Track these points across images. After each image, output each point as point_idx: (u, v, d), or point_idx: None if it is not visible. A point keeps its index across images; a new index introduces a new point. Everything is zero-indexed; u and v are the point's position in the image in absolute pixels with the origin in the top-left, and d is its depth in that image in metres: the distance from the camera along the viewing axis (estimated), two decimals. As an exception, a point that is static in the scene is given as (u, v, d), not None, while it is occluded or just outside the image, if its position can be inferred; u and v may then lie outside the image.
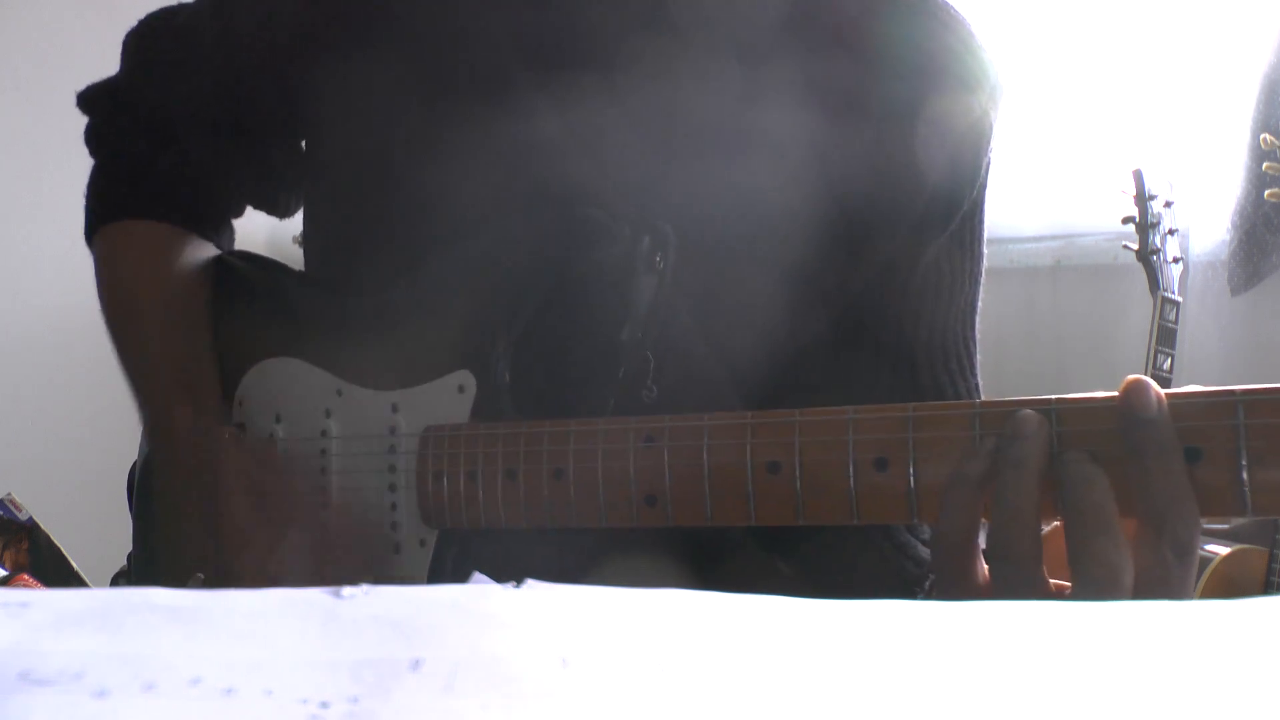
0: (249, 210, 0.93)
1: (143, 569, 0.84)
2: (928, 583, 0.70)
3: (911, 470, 0.50)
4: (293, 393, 0.74)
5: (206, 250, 0.86)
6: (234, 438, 0.75)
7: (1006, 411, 0.48)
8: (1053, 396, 0.48)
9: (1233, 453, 0.43)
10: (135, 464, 0.88)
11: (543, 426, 0.61)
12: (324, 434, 0.72)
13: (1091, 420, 0.46)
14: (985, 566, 0.49)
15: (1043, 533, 0.48)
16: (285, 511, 0.70)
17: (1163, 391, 0.45)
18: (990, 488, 0.47)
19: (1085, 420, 0.47)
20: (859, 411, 0.51)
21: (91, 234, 0.87)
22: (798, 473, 0.52)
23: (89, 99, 0.89)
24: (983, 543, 0.49)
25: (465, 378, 0.66)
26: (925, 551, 0.72)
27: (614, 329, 0.64)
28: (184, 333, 0.80)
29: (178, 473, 0.74)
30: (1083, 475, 0.45)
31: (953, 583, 0.49)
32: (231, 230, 0.91)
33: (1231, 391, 0.44)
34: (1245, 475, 0.43)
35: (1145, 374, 1.68)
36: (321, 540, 0.70)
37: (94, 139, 0.89)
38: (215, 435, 0.75)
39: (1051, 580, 0.47)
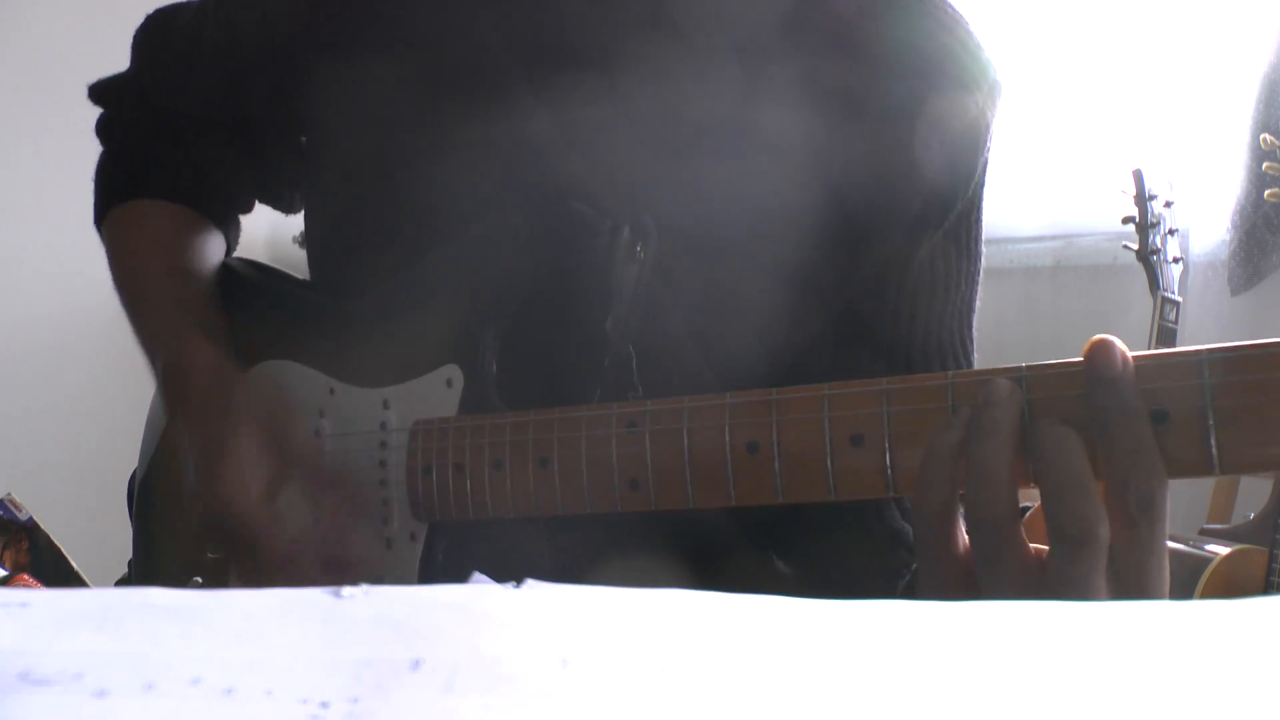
0: (250, 209, 0.93)
1: (143, 575, 0.85)
2: (914, 564, 0.71)
3: (887, 445, 0.50)
4: (285, 392, 0.74)
5: (216, 237, 0.87)
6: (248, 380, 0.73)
7: (979, 382, 0.48)
8: (1024, 364, 0.48)
9: (1199, 412, 0.43)
10: (135, 472, 0.88)
11: (527, 416, 0.61)
12: (317, 433, 0.72)
13: (1062, 386, 0.47)
14: (965, 536, 0.49)
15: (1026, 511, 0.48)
16: (294, 459, 0.69)
17: (1130, 353, 0.45)
18: (965, 456, 0.47)
19: (1056, 386, 0.47)
20: (834, 388, 0.52)
21: (101, 217, 0.87)
22: (775, 452, 0.53)
23: (100, 91, 0.90)
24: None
25: (453, 371, 0.67)
26: None
27: (598, 320, 0.65)
28: (197, 287, 0.81)
29: (194, 416, 0.72)
30: (1054, 436, 0.46)
31: (934, 554, 0.49)
32: (239, 226, 0.92)
33: (1197, 351, 0.44)
34: (1212, 436, 0.43)
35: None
36: (323, 491, 0.68)
37: (106, 130, 0.90)
38: (232, 375, 0.73)
39: (1032, 545, 0.48)
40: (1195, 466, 0.44)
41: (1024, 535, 0.47)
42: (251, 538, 0.66)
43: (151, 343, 0.79)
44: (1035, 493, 0.47)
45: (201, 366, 0.73)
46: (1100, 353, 0.45)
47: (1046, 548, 0.47)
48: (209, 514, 0.68)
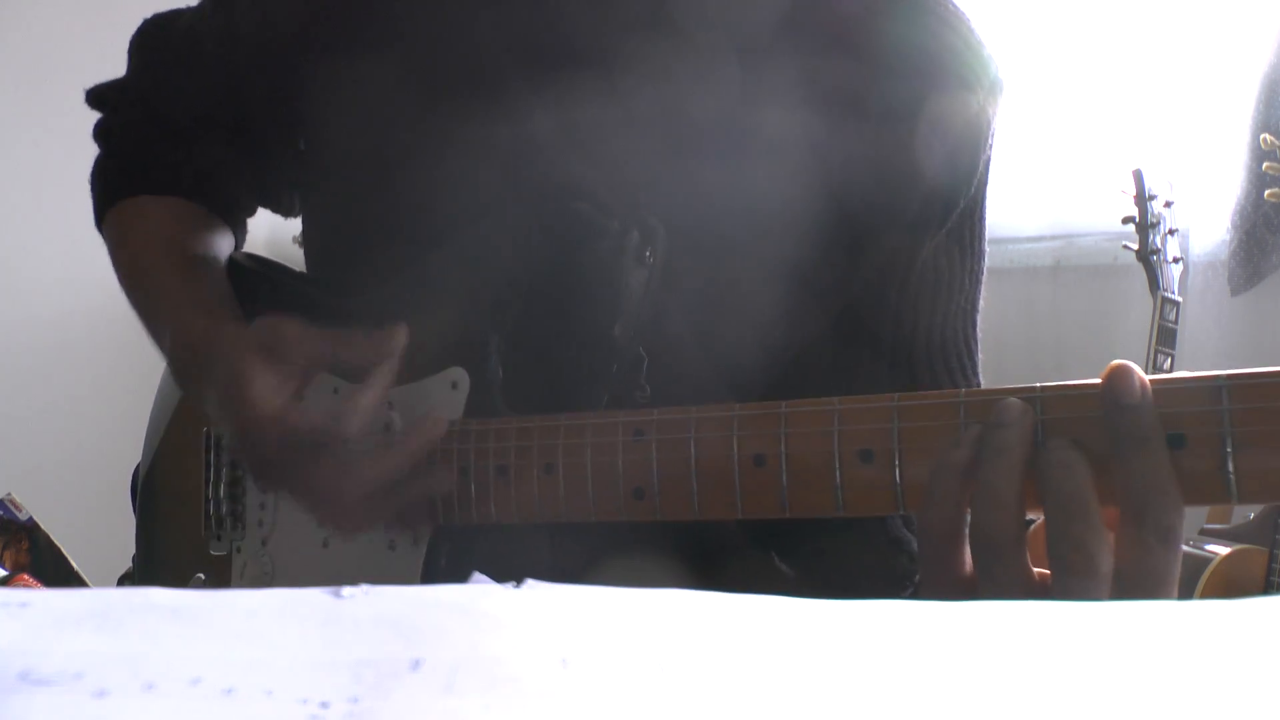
0: (254, 212, 0.93)
1: (145, 571, 0.85)
2: (917, 576, 0.70)
3: (897, 461, 0.49)
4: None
5: (221, 230, 0.86)
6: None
7: (992, 400, 0.47)
8: (1038, 384, 0.47)
9: (1217, 438, 0.43)
10: (138, 467, 0.88)
11: (533, 422, 0.61)
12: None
13: (1076, 407, 0.46)
14: (970, 556, 0.49)
15: (1030, 525, 0.47)
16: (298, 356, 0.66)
17: (1148, 378, 0.45)
18: (974, 476, 0.47)
19: (1070, 407, 0.46)
20: (844, 402, 0.51)
21: (102, 215, 0.87)
22: (783, 465, 0.52)
23: (98, 95, 0.90)
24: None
25: (459, 374, 0.66)
26: None
27: (606, 324, 0.64)
28: (206, 271, 0.80)
29: (215, 384, 0.68)
30: (1063, 461, 0.45)
31: (938, 572, 0.48)
32: (245, 226, 0.92)
33: (1216, 376, 0.43)
34: (1230, 462, 0.43)
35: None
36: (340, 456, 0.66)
37: (104, 133, 0.90)
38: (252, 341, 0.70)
39: (1035, 570, 0.47)
40: (1213, 493, 0.43)
41: (1028, 559, 0.47)
42: (295, 436, 0.63)
43: (160, 321, 0.78)
44: None
45: (216, 333, 0.71)
46: (1119, 379, 0.44)
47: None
48: (253, 445, 0.65)
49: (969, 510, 0.47)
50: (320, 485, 0.64)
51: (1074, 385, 0.47)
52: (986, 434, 0.47)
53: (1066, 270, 2.09)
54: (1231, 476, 0.43)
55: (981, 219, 0.74)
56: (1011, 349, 1.98)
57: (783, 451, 0.52)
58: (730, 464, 0.54)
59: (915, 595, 0.69)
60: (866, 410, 0.50)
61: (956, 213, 0.71)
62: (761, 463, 0.53)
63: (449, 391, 0.67)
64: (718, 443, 0.54)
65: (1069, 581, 0.44)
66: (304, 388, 0.66)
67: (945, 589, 0.48)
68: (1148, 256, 1.74)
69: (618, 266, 0.64)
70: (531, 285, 0.66)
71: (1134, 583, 0.44)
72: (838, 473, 0.51)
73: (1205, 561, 1.60)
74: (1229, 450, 0.43)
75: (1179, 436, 0.44)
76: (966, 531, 0.47)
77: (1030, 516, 0.47)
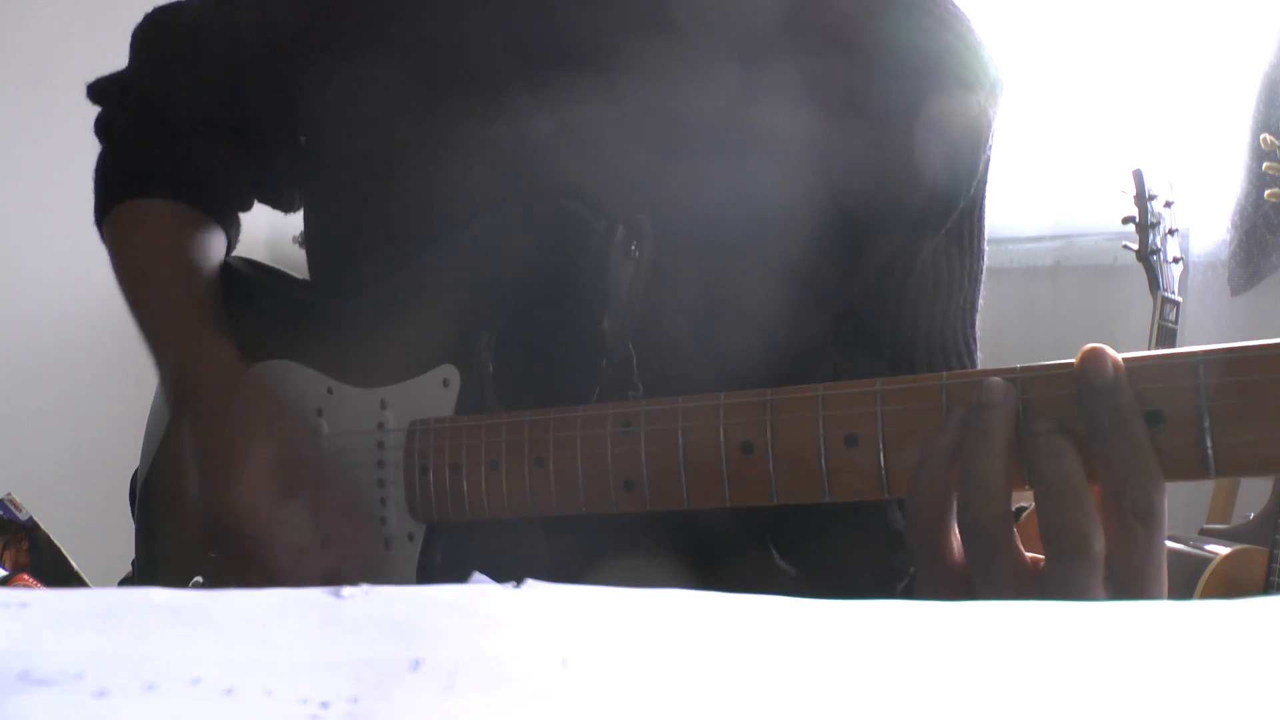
0: (249, 208, 0.93)
1: (144, 574, 0.85)
2: (912, 568, 0.70)
3: (881, 446, 0.50)
4: (286, 394, 0.74)
5: (217, 234, 0.87)
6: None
7: (973, 382, 0.47)
8: (1018, 365, 0.47)
9: (1194, 414, 0.43)
10: (137, 470, 0.88)
11: (523, 416, 0.61)
12: (314, 432, 0.72)
13: (1057, 386, 0.46)
14: (959, 542, 0.49)
15: (1021, 514, 0.48)
16: (301, 471, 0.69)
17: (1121, 358, 0.45)
18: (959, 460, 0.47)
19: (1051, 387, 0.46)
20: (828, 388, 0.51)
21: (102, 216, 0.88)
22: (770, 452, 0.52)
23: (99, 89, 0.91)
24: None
25: (450, 371, 0.67)
26: None
27: (595, 319, 0.65)
28: (203, 286, 0.81)
29: (205, 417, 0.72)
30: (1051, 448, 0.45)
31: (928, 559, 0.49)
32: (239, 224, 0.92)
33: (1193, 353, 0.44)
34: (1208, 437, 0.43)
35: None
36: (325, 504, 0.69)
37: (104, 128, 0.90)
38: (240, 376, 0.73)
39: (1028, 554, 0.47)
40: (1191, 469, 0.44)
41: (1019, 541, 0.47)
42: (255, 549, 0.67)
43: (160, 341, 0.79)
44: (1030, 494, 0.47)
45: (214, 365, 0.73)
46: (1091, 362, 0.45)
47: (1042, 556, 0.46)
48: (214, 520, 0.68)
49: (956, 495, 0.47)
50: (251, 571, 0.68)
51: (1054, 365, 0.47)
52: (970, 417, 0.47)
53: (1066, 270, 2.09)
54: (1209, 452, 0.43)
55: (981, 219, 0.74)
56: (1011, 349, 1.97)
57: (769, 439, 0.52)
58: (718, 453, 0.54)
59: (909, 584, 0.69)
60: (850, 395, 0.51)
61: (956, 213, 0.71)
62: (749, 451, 0.53)
63: (440, 389, 0.67)
64: (706, 432, 0.54)
65: (1063, 561, 0.44)
66: (284, 503, 0.68)
67: (937, 576, 0.49)
68: (1148, 256, 1.73)
69: (605, 262, 0.64)
70: (522, 282, 0.66)
71: (1118, 562, 0.44)
72: (823, 458, 0.51)
73: (1205, 561, 1.60)
74: (1206, 425, 0.43)
75: (1156, 413, 0.44)
76: (954, 517, 0.48)
77: (1020, 505, 0.47)
